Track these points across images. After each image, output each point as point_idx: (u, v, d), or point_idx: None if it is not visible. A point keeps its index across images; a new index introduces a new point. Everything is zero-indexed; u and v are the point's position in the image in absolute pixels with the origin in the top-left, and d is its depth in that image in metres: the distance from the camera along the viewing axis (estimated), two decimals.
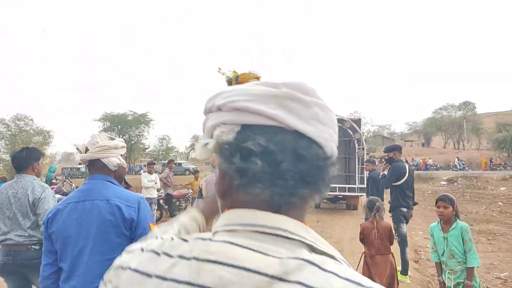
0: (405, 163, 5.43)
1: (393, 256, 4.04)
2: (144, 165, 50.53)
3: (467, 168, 36.00)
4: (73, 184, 14.12)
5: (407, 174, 5.20)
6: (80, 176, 37.94)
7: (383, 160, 5.90)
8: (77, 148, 1.86)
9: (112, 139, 1.86)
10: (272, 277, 0.47)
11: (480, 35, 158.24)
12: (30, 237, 2.73)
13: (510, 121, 55.14)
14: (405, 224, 5.23)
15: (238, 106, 0.57)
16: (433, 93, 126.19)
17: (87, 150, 1.80)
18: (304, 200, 0.57)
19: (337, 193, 11.14)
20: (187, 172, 43.94)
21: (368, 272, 3.90)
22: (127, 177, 9.95)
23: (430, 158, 41.14)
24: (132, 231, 1.69)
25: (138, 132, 59.57)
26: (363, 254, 4.11)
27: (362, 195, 11.36)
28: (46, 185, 2.91)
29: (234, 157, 0.55)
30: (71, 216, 1.67)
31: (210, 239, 0.54)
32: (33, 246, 2.71)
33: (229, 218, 0.56)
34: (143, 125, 58.90)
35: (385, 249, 3.95)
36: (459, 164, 37.18)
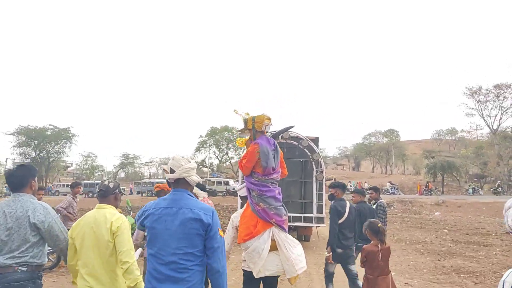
0: (345, 202, 5.25)
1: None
2: (64, 185, 46.25)
3: (400, 192, 37.03)
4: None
5: (346, 214, 5.08)
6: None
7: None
8: (164, 169, 2.60)
9: (189, 161, 2.46)
10: None
11: (398, 67, 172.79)
12: (19, 258, 2.61)
13: (432, 148, 59.53)
14: (336, 264, 5.17)
15: None
16: (361, 120, 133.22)
17: (172, 170, 2.41)
18: None
19: (291, 223, 9.47)
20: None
21: None
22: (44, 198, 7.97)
23: (365, 182, 41.77)
24: (206, 232, 2.30)
25: (58, 149, 54.57)
26: (365, 278, 4.10)
27: (319, 226, 9.81)
28: (46, 204, 2.82)
29: None
30: (161, 218, 2.31)
31: None
32: (20, 268, 2.61)
33: None
34: (64, 141, 53.87)
35: (387, 270, 4.07)
36: (391, 188, 38.18)
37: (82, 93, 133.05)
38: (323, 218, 9.61)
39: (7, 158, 53.04)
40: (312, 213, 9.66)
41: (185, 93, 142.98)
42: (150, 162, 70.72)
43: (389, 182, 41.67)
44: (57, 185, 48.39)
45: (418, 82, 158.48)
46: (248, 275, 3.72)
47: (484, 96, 39.19)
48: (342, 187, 5.44)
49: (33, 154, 51.88)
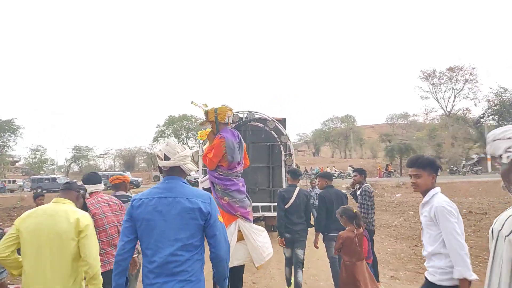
0: (295, 187, 5.28)
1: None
2: (11, 182, 43.00)
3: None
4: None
5: (292, 199, 5.09)
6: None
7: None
8: (157, 155, 2.30)
9: (184, 148, 2.31)
10: None
11: (354, 52, 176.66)
12: None
13: (388, 132, 61.22)
14: (288, 248, 5.20)
15: None
16: (320, 106, 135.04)
17: (166, 157, 2.25)
18: None
19: (259, 214, 8.55)
20: None
21: (353, 279, 3.92)
22: None
23: (327, 167, 41.92)
24: (206, 221, 2.19)
25: (2, 142, 50.43)
26: (343, 264, 4.07)
27: None
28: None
29: None
30: (156, 208, 2.15)
31: None
32: None
33: None
34: (8, 133, 49.72)
35: (363, 255, 4.04)
36: (352, 173, 38.28)
37: (27, 82, 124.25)
38: None
39: None
40: None
41: (140, 81, 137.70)
42: (105, 154, 67.07)
43: (350, 166, 42.05)
44: (3, 181, 45.62)
45: (372, 68, 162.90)
46: None
47: (438, 79, 40.28)
48: (292, 173, 5.44)
49: None
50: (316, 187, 9.08)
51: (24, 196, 33.95)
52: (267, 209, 8.75)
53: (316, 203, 6.79)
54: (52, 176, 41.30)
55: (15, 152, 54.67)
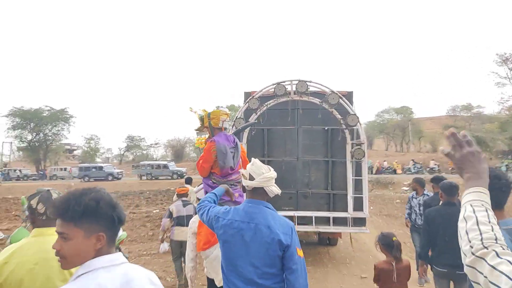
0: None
1: None
2: (62, 169, 44.24)
3: (424, 171, 33.45)
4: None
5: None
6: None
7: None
8: (242, 174, 2.30)
9: (269, 169, 2.24)
10: None
11: (407, 43, 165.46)
12: None
13: (449, 124, 56.07)
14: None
15: None
16: (374, 97, 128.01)
17: (251, 177, 2.21)
18: None
19: (313, 228, 5.99)
20: (110, 177, 37.38)
21: None
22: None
23: (385, 161, 38.20)
24: (284, 252, 2.09)
25: (56, 131, 52.21)
26: None
27: (363, 231, 6.23)
28: None
29: None
30: (239, 232, 2.14)
31: None
32: None
33: None
34: (62, 122, 51.49)
35: None
36: (414, 167, 34.60)
37: (80, 74, 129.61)
38: (364, 219, 6.10)
39: (3, 142, 50.98)
40: (347, 211, 6.15)
41: (188, 71, 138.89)
42: (156, 144, 67.96)
43: (412, 160, 38.09)
44: (54, 168, 46.47)
45: (431, 57, 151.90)
46: (211, 282, 3.47)
47: None
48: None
49: (29, 137, 50.18)
50: (427, 193, 5.95)
51: (71, 184, 34.29)
52: (324, 221, 6.16)
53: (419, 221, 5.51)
54: (99, 164, 41.42)
55: (69, 140, 56.85)
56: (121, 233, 3.62)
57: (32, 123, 49.28)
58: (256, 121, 6.31)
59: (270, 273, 2.10)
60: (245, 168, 3.60)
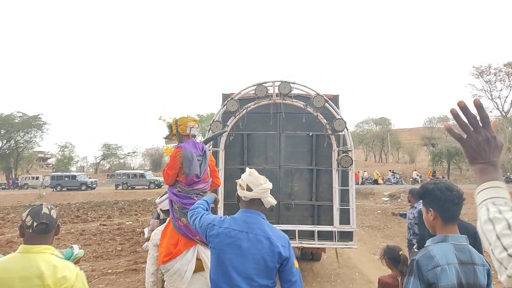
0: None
1: None
2: (33, 178, 42.51)
3: (402, 181, 33.60)
4: None
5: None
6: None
7: None
8: (239, 184, 2.25)
9: (266, 180, 2.22)
10: None
11: (387, 55, 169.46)
12: None
13: (427, 135, 57.03)
14: None
15: None
16: (353, 108, 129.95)
17: (248, 188, 2.18)
18: None
19: (296, 243, 5.44)
20: (83, 187, 35.96)
21: None
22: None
23: (365, 171, 38.24)
24: (282, 265, 2.10)
25: (28, 138, 50.35)
26: None
27: (346, 247, 5.75)
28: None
29: None
30: (235, 242, 2.09)
31: None
32: None
33: None
34: (34, 129, 49.71)
35: None
36: (393, 177, 34.73)
37: (55, 79, 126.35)
38: (351, 233, 5.60)
39: None
40: (333, 224, 5.64)
41: (169, 77, 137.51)
42: (133, 152, 66.52)
43: (390, 170, 38.40)
44: (25, 177, 44.68)
45: (409, 68, 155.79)
46: None
47: (494, 75, 35.58)
48: None
49: (0, 144, 47.77)
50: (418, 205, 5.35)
51: (42, 194, 32.85)
52: (308, 235, 5.63)
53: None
54: (72, 173, 39.87)
55: (42, 148, 55.12)
56: (77, 251, 3.25)
57: (2, 130, 47.46)
58: (226, 130, 5.77)
59: (264, 285, 2.07)
60: (213, 178, 3.57)
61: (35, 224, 1.87)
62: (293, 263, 2.13)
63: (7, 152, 48.23)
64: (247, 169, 2.29)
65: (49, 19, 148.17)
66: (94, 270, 6.80)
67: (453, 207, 1.73)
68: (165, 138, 3.75)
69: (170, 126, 3.59)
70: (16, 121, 48.06)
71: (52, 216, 1.94)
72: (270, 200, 2.21)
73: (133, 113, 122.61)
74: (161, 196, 3.84)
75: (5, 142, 48.45)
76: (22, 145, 49.90)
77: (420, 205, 5.27)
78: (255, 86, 5.75)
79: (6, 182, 44.90)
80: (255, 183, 2.17)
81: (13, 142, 48.75)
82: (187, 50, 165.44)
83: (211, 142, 5.95)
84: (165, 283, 3.33)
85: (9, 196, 31.99)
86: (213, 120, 5.82)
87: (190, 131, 3.47)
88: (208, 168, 3.54)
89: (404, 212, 5.57)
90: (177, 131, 3.49)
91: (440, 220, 1.74)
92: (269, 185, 2.21)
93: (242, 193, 2.22)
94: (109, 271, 6.83)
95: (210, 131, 5.70)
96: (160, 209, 3.99)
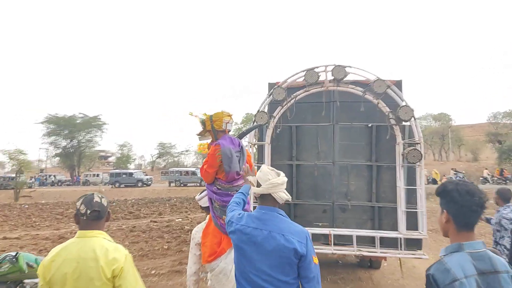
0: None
1: None
2: (95, 175, 45.22)
3: (467, 181, 31.08)
4: None
5: None
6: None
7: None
8: (250, 182, 2.41)
9: (278, 174, 2.18)
10: None
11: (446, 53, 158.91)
12: None
13: (491, 131, 52.89)
14: None
15: None
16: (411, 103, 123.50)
17: (258, 184, 2.18)
18: None
19: (354, 250, 4.74)
20: (140, 184, 37.46)
21: None
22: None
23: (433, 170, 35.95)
24: (300, 261, 2.04)
25: (89, 137, 53.72)
26: None
27: (420, 256, 4.92)
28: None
29: None
30: (251, 239, 2.09)
31: None
32: None
33: None
34: (94, 129, 52.60)
35: None
36: (456, 177, 32.21)
37: (113, 82, 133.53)
38: (420, 241, 4.80)
39: (39, 148, 52.93)
40: (397, 229, 4.86)
41: (217, 78, 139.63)
42: (186, 151, 68.60)
43: (452, 169, 35.64)
44: (87, 174, 47.86)
45: (467, 63, 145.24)
46: None
47: None
48: None
49: (64, 143, 51.45)
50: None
51: (102, 190, 34.52)
52: (367, 241, 4.91)
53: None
54: (129, 171, 41.85)
55: (103, 147, 58.38)
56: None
57: (66, 130, 50.55)
58: (262, 123, 5.23)
59: (283, 281, 2.05)
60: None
61: (88, 211, 2.05)
62: (311, 259, 2.08)
63: (71, 151, 51.18)
64: (262, 166, 2.27)
65: (107, 24, 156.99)
66: (137, 270, 6.57)
67: (469, 214, 1.57)
68: (198, 135, 3.71)
69: (203, 122, 3.57)
70: (78, 121, 51.13)
71: (103, 204, 2.11)
72: (282, 195, 2.17)
73: (186, 112, 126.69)
74: (201, 193, 3.72)
75: (69, 142, 51.53)
76: (84, 144, 52.83)
77: (507, 208, 4.35)
78: (305, 72, 5.10)
79: (70, 179, 47.95)
80: (264, 178, 2.17)
81: (76, 141, 51.75)
82: (238, 49, 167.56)
83: (254, 134, 5.49)
84: (210, 282, 3.30)
85: (72, 192, 33.99)
86: (258, 110, 5.27)
87: (226, 127, 3.44)
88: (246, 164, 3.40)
89: (491, 217, 4.64)
90: (212, 127, 3.46)
91: (453, 224, 1.60)
92: (279, 179, 2.16)
93: (253, 189, 2.27)
94: (153, 271, 6.54)
95: (255, 121, 5.17)
96: (200, 206, 3.90)
